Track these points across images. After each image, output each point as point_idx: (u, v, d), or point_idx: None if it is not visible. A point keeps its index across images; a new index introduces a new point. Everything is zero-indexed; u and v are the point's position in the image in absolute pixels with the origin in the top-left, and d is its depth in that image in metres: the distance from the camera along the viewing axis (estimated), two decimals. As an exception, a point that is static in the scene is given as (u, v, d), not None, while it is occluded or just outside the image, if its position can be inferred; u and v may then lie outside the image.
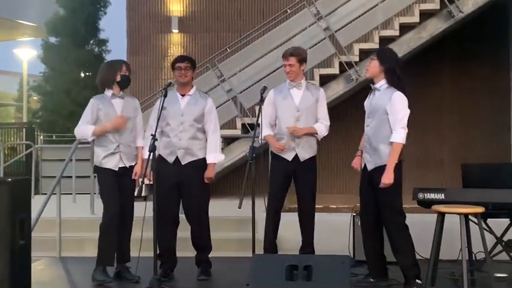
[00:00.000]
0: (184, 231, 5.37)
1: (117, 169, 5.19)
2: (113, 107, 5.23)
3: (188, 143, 5.24)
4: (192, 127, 5.26)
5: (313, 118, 5.53)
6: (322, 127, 5.52)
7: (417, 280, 4.85)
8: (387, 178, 4.72)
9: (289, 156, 5.44)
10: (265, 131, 5.49)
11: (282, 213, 5.51)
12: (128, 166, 5.25)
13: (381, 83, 4.89)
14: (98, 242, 5.20)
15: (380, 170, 4.81)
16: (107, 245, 5.17)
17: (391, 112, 4.78)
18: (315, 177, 5.53)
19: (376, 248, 5.02)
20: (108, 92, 5.27)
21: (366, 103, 5.03)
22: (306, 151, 5.46)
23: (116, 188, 5.18)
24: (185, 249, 5.58)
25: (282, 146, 5.39)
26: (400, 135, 4.76)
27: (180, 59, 5.39)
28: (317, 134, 5.52)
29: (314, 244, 5.52)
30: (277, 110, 5.51)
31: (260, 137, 5.37)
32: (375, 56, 4.96)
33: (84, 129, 5.20)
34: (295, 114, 5.44)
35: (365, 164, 5.00)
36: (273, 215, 5.40)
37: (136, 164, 5.29)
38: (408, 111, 4.82)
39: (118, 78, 5.24)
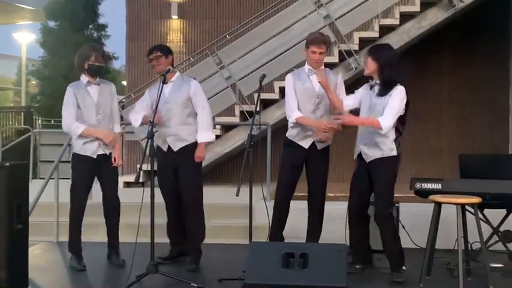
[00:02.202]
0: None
1: (95, 156, 5.21)
2: (88, 94, 5.22)
3: (176, 129, 5.22)
4: (179, 113, 5.22)
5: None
6: None
7: (403, 267, 4.94)
8: (352, 121, 4.85)
9: (306, 144, 5.27)
10: (297, 112, 5.20)
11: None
12: (107, 153, 5.27)
13: (379, 80, 4.89)
14: (69, 230, 5.32)
15: (379, 161, 4.84)
16: (75, 232, 5.28)
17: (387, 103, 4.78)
18: (327, 166, 5.40)
19: (363, 235, 5.05)
20: (84, 79, 5.25)
21: (365, 96, 4.97)
22: (325, 142, 5.33)
23: (92, 177, 5.25)
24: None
25: (330, 125, 5.14)
26: (387, 122, 4.71)
27: (149, 50, 5.37)
28: (340, 129, 5.31)
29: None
30: (296, 96, 5.27)
31: (291, 120, 5.23)
32: (369, 53, 4.92)
33: (73, 126, 5.18)
34: (314, 101, 5.25)
35: (359, 154, 5.00)
36: (282, 206, 5.28)
37: (114, 149, 5.32)
38: (402, 107, 4.81)
39: (86, 67, 5.22)
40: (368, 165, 4.92)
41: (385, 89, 4.80)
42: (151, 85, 5.31)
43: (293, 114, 5.24)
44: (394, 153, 4.88)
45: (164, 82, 4.94)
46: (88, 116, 5.19)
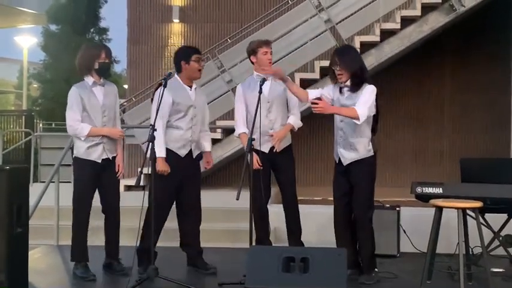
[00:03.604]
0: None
1: (100, 161, 5.09)
2: (94, 96, 5.08)
3: (199, 136, 5.25)
4: (201, 120, 5.25)
5: (284, 107, 5.47)
6: (297, 120, 5.48)
7: (375, 269, 4.99)
8: (329, 109, 4.71)
9: (265, 148, 5.38)
10: (241, 129, 5.42)
11: (278, 205, 5.49)
12: (110, 158, 5.16)
13: (349, 82, 4.87)
14: (72, 238, 5.12)
15: (356, 163, 4.85)
16: (80, 241, 5.10)
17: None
18: (293, 165, 5.49)
19: (349, 240, 5.00)
20: (89, 80, 5.10)
21: (335, 99, 4.95)
22: (283, 142, 5.43)
23: (95, 182, 5.10)
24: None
25: (258, 164, 5.20)
26: (363, 112, 4.67)
27: (199, 50, 5.27)
28: (294, 129, 5.49)
29: (312, 236, 5.52)
30: (247, 105, 5.41)
31: (235, 134, 5.45)
32: (339, 62, 4.84)
33: (79, 128, 5.02)
34: (265, 106, 5.35)
35: (339, 158, 4.98)
36: (259, 211, 5.28)
37: (117, 155, 5.21)
38: (373, 104, 4.78)
39: (96, 66, 5.09)
40: (346, 168, 4.92)
41: (354, 90, 4.81)
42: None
43: (237, 130, 5.47)
44: (371, 153, 4.90)
45: (165, 86, 4.91)
46: (94, 118, 5.07)
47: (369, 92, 4.77)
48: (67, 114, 5.07)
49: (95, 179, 5.10)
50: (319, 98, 4.70)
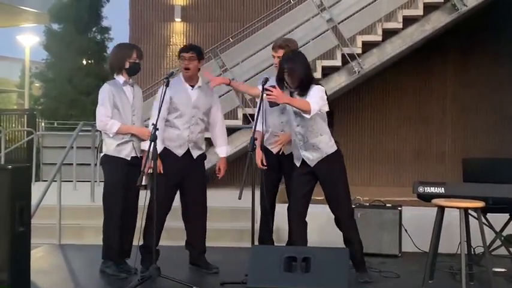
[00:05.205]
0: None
1: (129, 158, 5.07)
2: (125, 94, 5.10)
3: (198, 136, 5.21)
4: (202, 121, 5.22)
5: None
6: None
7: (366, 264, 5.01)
8: (284, 99, 4.60)
9: (275, 150, 5.35)
10: (259, 126, 5.29)
11: (281, 205, 5.47)
12: (138, 156, 5.14)
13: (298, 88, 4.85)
14: (105, 236, 5.08)
15: (324, 161, 4.83)
16: (116, 239, 5.04)
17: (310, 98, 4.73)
18: None
19: (304, 234, 4.98)
20: (120, 79, 5.12)
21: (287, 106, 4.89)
22: (290, 145, 5.34)
23: (126, 179, 5.04)
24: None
25: (260, 164, 5.20)
26: (314, 107, 4.62)
27: (185, 48, 5.25)
28: None
29: (313, 236, 5.49)
30: (265, 104, 5.29)
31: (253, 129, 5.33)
32: (288, 69, 4.80)
33: (109, 124, 5.00)
34: (280, 106, 5.19)
35: (302, 160, 4.92)
36: (265, 211, 5.26)
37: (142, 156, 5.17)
38: (324, 102, 4.76)
39: (127, 66, 5.11)
40: (312, 169, 4.89)
41: (304, 95, 4.78)
42: (159, 86, 5.12)
43: (257, 127, 5.34)
44: (334, 148, 4.88)
45: (167, 85, 4.93)
46: (125, 116, 5.06)
47: (316, 90, 4.75)
48: (98, 109, 5.06)
49: (126, 177, 5.03)
50: (273, 86, 4.63)
